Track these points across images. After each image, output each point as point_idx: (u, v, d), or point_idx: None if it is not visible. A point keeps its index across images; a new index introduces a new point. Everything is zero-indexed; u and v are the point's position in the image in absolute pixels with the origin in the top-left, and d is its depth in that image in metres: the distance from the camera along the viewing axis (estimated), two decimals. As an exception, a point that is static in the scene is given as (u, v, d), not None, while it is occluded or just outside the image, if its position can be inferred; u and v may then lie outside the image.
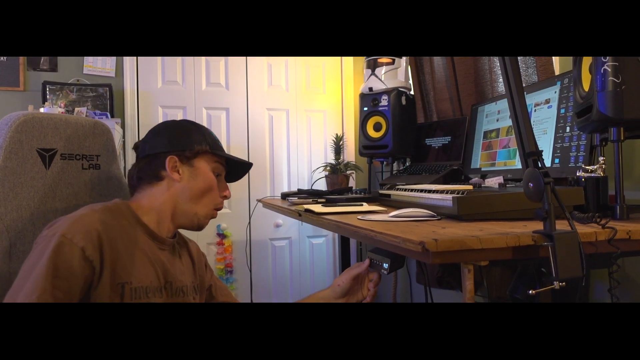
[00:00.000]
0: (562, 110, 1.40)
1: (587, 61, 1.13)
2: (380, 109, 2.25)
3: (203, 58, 2.96)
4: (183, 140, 1.09)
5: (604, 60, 1.02)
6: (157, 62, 2.87)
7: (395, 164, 2.53)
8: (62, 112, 2.35)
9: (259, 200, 2.44)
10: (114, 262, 0.94)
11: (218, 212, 1.14)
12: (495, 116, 1.77)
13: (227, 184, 1.20)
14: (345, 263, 2.60)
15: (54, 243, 0.88)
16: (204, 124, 2.94)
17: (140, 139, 1.14)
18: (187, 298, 1.11)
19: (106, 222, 0.96)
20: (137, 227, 1.03)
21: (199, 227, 1.12)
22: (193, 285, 1.15)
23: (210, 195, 1.11)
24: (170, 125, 1.12)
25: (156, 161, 1.07)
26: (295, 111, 3.14)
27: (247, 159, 3.06)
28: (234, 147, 2.98)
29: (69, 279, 0.87)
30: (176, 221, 1.10)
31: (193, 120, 1.24)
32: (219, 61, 2.99)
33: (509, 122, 1.67)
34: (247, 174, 3.27)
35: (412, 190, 1.48)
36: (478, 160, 1.82)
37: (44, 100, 2.57)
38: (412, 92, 2.42)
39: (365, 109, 2.31)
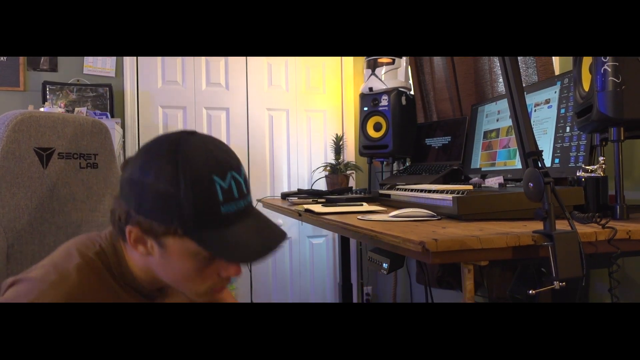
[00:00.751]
0: (562, 110, 1.40)
1: (587, 61, 1.13)
2: (380, 109, 2.25)
3: (203, 58, 2.96)
4: (151, 204, 0.71)
5: (604, 60, 1.02)
6: (157, 62, 2.87)
7: (395, 164, 2.53)
8: (62, 112, 2.35)
9: (259, 200, 2.44)
10: None
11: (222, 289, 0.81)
12: (495, 116, 1.77)
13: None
14: (345, 263, 2.60)
15: None
16: (204, 124, 2.94)
17: (134, 153, 0.78)
18: None
19: (73, 295, 0.73)
20: (123, 283, 0.80)
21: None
22: None
23: (197, 280, 0.77)
24: (153, 163, 0.72)
25: (120, 221, 0.76)
26: (295, 111, 3.14)
27: (247, 159, 3.09)
28: (234, 148, 2.97)
29: None
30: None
31: (193, 129, 0.88)
32: (219, 61, 2.99)
33: (509, 122, 1.67)
34: (247, 174, 3.25)
35: (412, 190, 1.48)
36: (478, 160, 1.82)
37: (44, 100, 2.57)
38: (412, 92, 2.42)
39: (365, 109, 2.31)
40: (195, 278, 0.76)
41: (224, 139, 2.96)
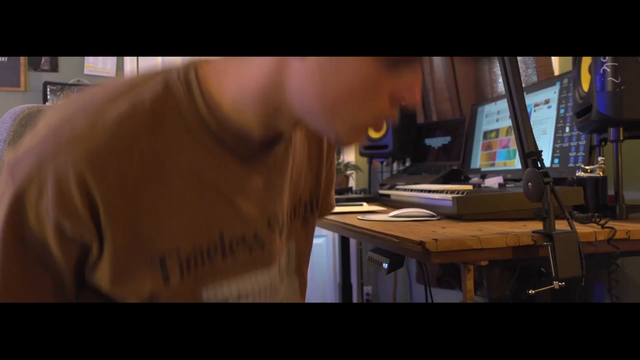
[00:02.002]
0: (562, 111, 1.40)
1: (586, 61, 1.13)
2: (380, 109, 2.26)
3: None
4: None
5: (604, 60, 1.02)
6: (157, 63, 2.88)
7: (395, 164, 2.53)
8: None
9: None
10: (136, 222, 0.52)
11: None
12: (495, 116, 1.77)
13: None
14: (345, 263, 2.60)
15: (5, 208, 0.49)
16: (204, 124, 2.94)
17: None
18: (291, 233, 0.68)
19: (118, 148, 0.52)
20: (202, 135, 0.57)
21: (338, 144, 0.54)
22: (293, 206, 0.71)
23: (364, 100, 0.58)
24: None
25: None
26: (295, 111, 3.14)
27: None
28: (234, 147, 2.98)
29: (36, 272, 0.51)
30: (292, 116, 0.59)
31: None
32: (219, 61, 3.00)
33: (508, 122, 1.67)
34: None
35: (412, 190, 1.48)
36: (478, 160, 1.82)
37: (45, 100, 2.58)
38: (412, 92, 2.42)
39: (365, 109, 2.31)
40: (363, 96, 0.57)
41: (224, 139, 2.96)
